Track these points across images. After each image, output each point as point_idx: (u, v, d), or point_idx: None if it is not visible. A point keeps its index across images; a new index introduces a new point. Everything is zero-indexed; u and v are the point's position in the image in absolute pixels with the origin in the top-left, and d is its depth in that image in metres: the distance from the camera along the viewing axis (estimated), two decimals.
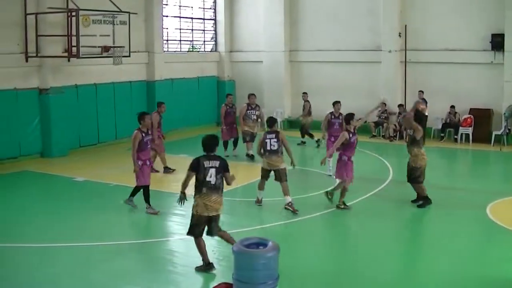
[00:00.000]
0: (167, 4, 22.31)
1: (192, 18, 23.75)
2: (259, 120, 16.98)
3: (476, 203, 11.98)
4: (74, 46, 16.50)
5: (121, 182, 13.97)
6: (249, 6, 24.17)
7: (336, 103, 15.42)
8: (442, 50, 20.25)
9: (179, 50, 23.26)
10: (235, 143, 17.41)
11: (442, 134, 20.09)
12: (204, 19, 24.33)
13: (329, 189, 12.20)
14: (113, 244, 9.63)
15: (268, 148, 11.49)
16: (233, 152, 17.22)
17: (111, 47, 17.45)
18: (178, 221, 11.33)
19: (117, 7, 17.44)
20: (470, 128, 19.38)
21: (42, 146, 17.34)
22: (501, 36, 19.00)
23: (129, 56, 18.10)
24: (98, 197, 12.98)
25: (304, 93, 20.19)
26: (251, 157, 16.69)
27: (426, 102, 19.18)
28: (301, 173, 15.16)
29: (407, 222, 11.53)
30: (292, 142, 20.21)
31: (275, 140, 11.45)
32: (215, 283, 7.63)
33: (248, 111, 16.84)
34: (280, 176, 11.56)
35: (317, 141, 18.59)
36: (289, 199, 11.53)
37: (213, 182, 8.09)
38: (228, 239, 8.56)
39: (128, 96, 20.04)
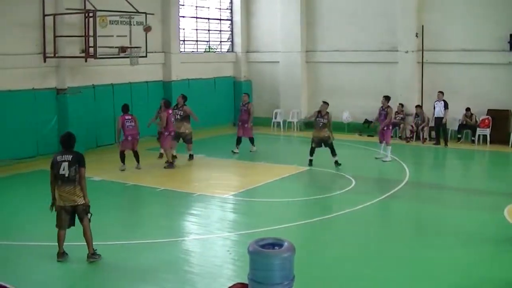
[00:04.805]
0: (183, 5, 22.38)
1: (208, 18, 23.80)
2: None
3: (494, 204, 11.87)
4: (91, 47, 16.63)
5: (138, 182, 14.05)
6: (266, 6, 24.16)
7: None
8: (460, 51, 20.06)
9: (195, 50, 23.33)
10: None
11: (459, 135, 19.91)
12: (220, 19, 24.38)
13: None
14: (130, 244, 9.68)
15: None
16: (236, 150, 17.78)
17: (128, 47, 17.57)
18: (194, 221, 11.37)
19: (134, 7, 17.54)
20: (488, 129, 19.19)
21: (59, 145, 17.45)
22: None
23: (146, 56, 18.22)
24: (115, 196, 13.05)
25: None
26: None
27: (446, 104, 19.00)
28: (319, 174, 15.16)
29: (423, 223, 11.46)
30: (304, 143, 20.31)
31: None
32: (230, 283, 7.64)
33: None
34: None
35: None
36: None
37: (66, 175, 8.61)
38: (87, 239, 8.78)
39: (145, 96, 20.13)
